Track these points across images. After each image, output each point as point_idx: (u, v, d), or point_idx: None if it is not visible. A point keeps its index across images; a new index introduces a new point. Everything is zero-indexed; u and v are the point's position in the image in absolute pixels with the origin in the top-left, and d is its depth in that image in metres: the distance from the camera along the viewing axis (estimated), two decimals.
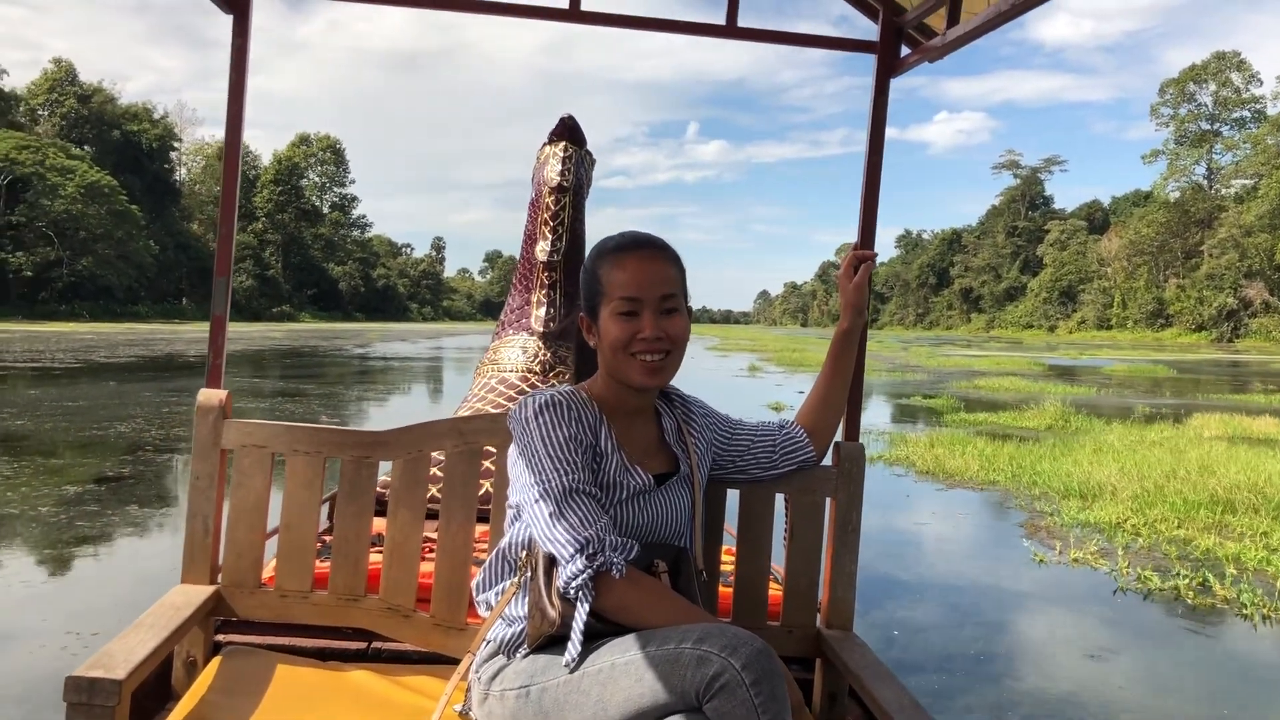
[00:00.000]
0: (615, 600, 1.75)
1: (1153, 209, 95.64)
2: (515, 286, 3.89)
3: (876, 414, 18.67)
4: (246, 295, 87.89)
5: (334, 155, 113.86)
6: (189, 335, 47.86)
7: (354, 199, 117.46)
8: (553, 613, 1.77)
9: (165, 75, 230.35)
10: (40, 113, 78.47)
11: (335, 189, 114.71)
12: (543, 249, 3.51)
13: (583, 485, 1.81)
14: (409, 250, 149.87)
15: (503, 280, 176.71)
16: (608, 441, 1.91)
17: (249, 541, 2.39)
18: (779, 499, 2.40)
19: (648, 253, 1.93)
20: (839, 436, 2.40)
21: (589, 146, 3.64)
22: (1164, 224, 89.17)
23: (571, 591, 1.75)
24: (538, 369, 3.69)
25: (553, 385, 3.53)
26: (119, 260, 69.90)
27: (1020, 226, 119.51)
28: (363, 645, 2.52)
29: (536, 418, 1.86)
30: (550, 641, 1.80)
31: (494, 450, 2.41)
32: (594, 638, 1.75)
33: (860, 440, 2.52)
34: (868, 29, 2.64)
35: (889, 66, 2.54)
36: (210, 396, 2.40)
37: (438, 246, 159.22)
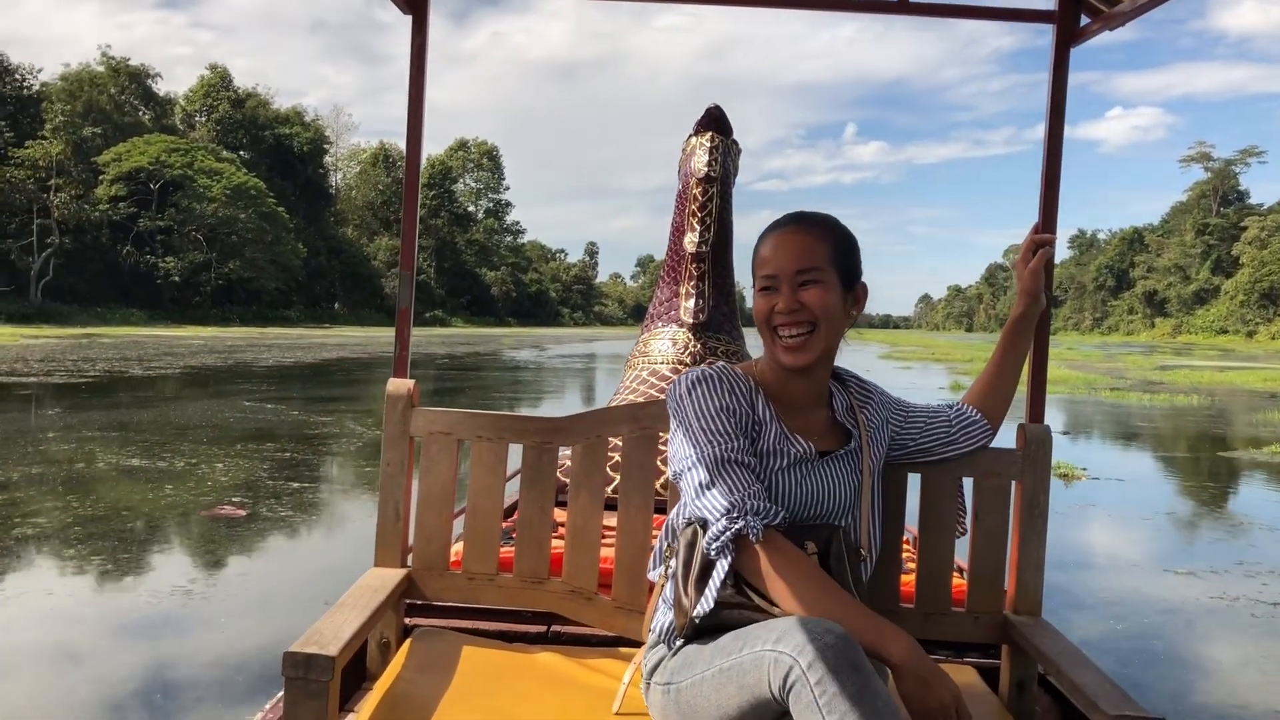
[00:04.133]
0: (752, 565, 1.71)
1: None
2: (663, 278, 3.85)
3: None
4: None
5: (490, 161, 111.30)
6: (333, 340, 43.65)
7: (508, 204, 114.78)
8: (688, 602, 1.74)
9: (338, 90, 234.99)
10: (197, 118, 76.86)
11: (490, 195, 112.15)
12: (691, 240, 3.52)
13: (736, 454, 1.78)
14: (562, 255, 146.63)
15: (655, 284, 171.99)
16: (765, 410, 1.87)
17: (438, 526, 2.41)
18: (967, 484, 2.32)
19: (792, 228, 1.88)
20: (1023, 418, 2.36)
21: (735, 138, 3.58)
22: None
23: (713, 552, 1.72)
24: (688, 360, 3.63)
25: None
26: (268, 264, 67.48)
27: (1212, 224, 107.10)
28: (543, 628, 2.55)
29: (690, 393, 1.85)
30: (699, 631, 1.77)
31: (668, 437, 2.22)
32: (732, 608, 1.73)
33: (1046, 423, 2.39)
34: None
35: (1069, 36, 2.38)
36: (399, 386, 2.41)
37: (591, 252, 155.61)
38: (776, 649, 1.52)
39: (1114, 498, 9.58)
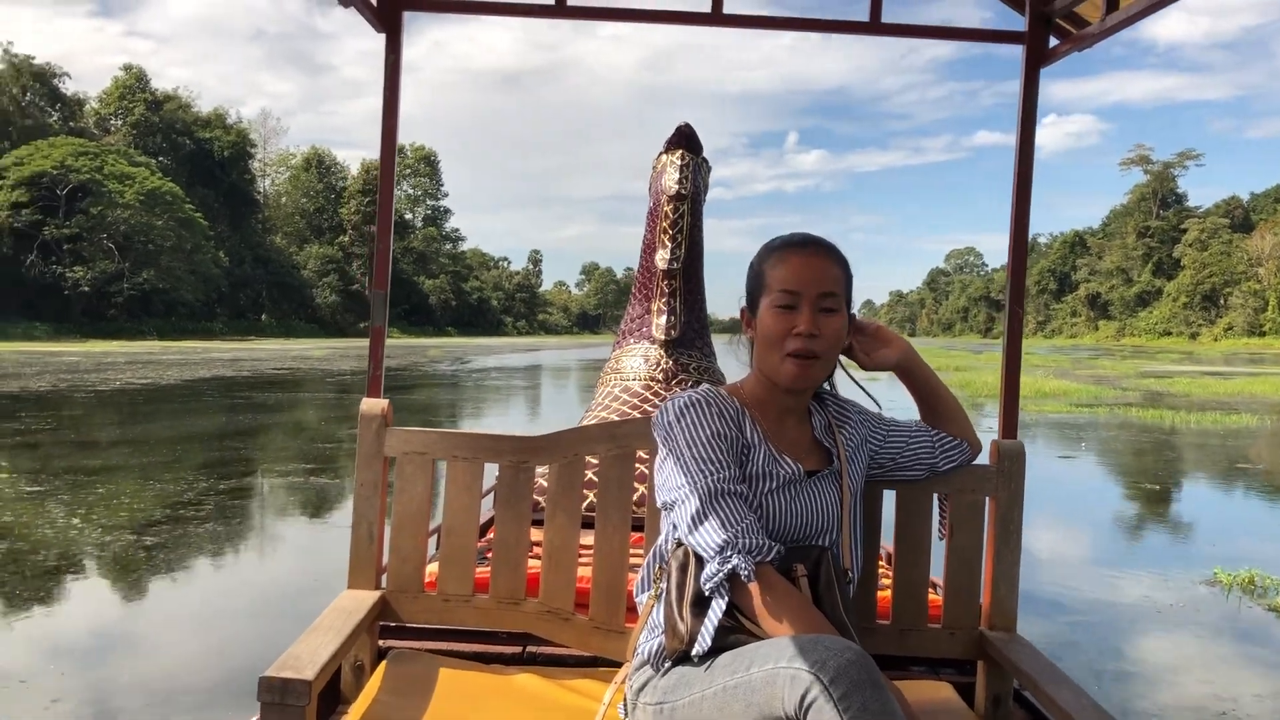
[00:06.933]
0: (745, 603, 1.71)
1: None
2: (635, 295, 3.81)
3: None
4: (331, 310, 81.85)
5: (428, 166, 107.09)
6: (245, 353, 39.38)
7: (447, 211, 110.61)
8: (683, 628, 1.74)
9: (278, 99, 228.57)
10: (113, 122, 71.83)
11: (428, 201, 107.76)
12: (662, 257, 3.46)
13: (728, 484, 1.77)
14: (505, 264, 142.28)
15: (599, 293, 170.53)
16: (753, 433, 1.86)
17: (412, 547, 2.37)
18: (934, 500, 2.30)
19: (814, 250, 1.88)
20: (996, 435, 2.38)
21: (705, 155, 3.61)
22: None
23: (707, 590, 1.72)
24: (660, 377, 3.59)
25: (686, 389, 3.06)
26: (187, 274, 62.96)
27: (1153, 226, 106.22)
28: (518, 649, 2.51)
29: (679, 420, 1.83)
30: (686, 654, 1.75)
31: (646, 455, 2.30)
32: (728, 633, 1.72)
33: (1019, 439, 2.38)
34: (1008, 19, 2.54)
35: (1038, 57, 2.43)
36: (372, 406, 2.38)
37: (535, 260, 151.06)
38: (792, 666, 1.49)
39: None
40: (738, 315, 2.00)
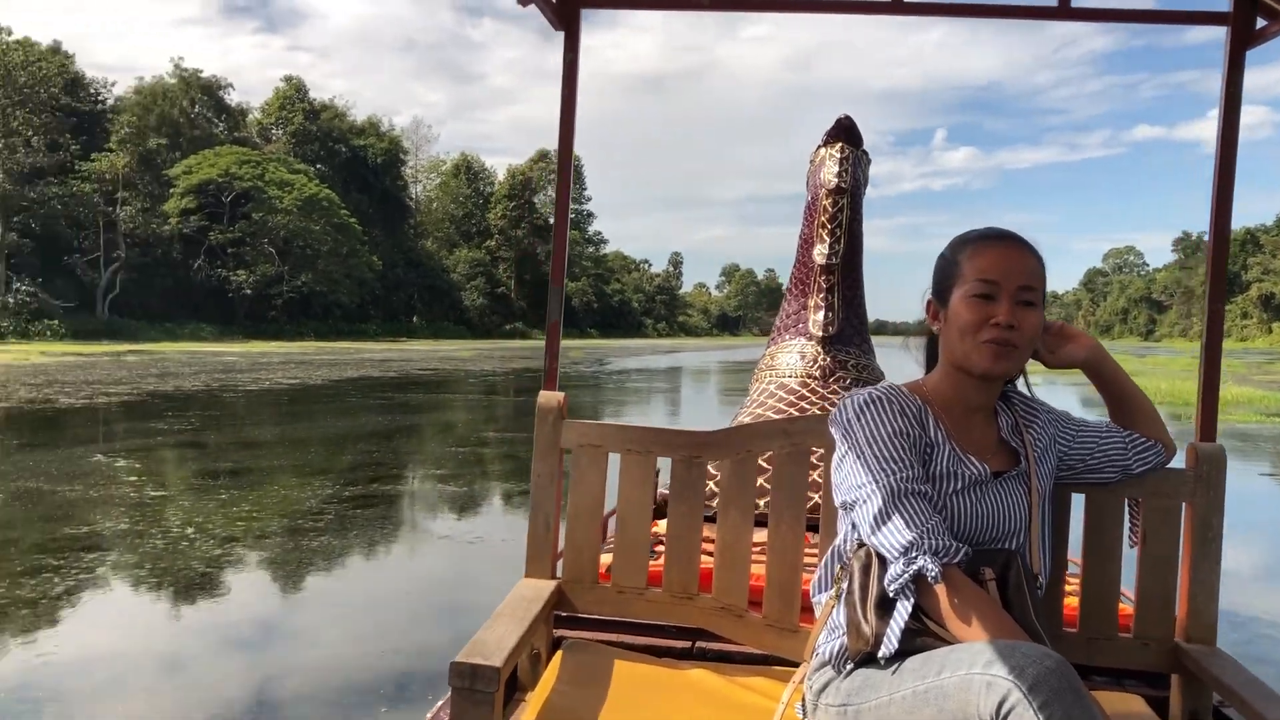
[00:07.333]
0: (932, 605, 1.66)
1: None
2: (791, 290, 3.71)
3: None
4: (478, 313, 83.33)
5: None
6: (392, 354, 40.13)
7: (590, 215, 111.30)
8: (866, 629, 1.70)
9: (429, 108, 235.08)
10: (273, 131, 74.76)
11: (572, 205, 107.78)
12: (820, 252, 3.41)
13: (912, 483, 1.72)
14: (646, 266, 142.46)
15: (739, 295, 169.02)
16: (937, 432, 1.81)
17: (587, 538, 2.39)
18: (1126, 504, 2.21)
19: (1014, 241, 1.83)
20: (1194, 438, 2.27)
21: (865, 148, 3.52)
22: None
23: (891, 592, 1.68)
24: (817, 374, 3.50)
25: (846, 386, 3.47)
26: (343, 277, 64.99)
27: None
28: (687, 644, 2.50)
29: (859, 417, 1.79)
30: (871, 656, 1.71)
31: (821, 452, 2.34)
32: (914, 636, 1.66)
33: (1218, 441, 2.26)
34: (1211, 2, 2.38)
35: (1244, 39, 2.30)
36: (549, 399, 2.41)
37: (675, 262, 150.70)
38: (988, 673, 1.45)
39: None
40: (922, 312, 1.90)
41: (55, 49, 59.34)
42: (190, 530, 7.70)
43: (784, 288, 3.84)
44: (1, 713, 4.16)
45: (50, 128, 53.88)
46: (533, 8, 2.29)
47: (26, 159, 52.37)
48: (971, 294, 1.77)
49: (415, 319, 77.73)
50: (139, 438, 13.58)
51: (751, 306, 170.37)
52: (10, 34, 54.91)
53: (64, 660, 4.82)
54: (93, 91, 62.50)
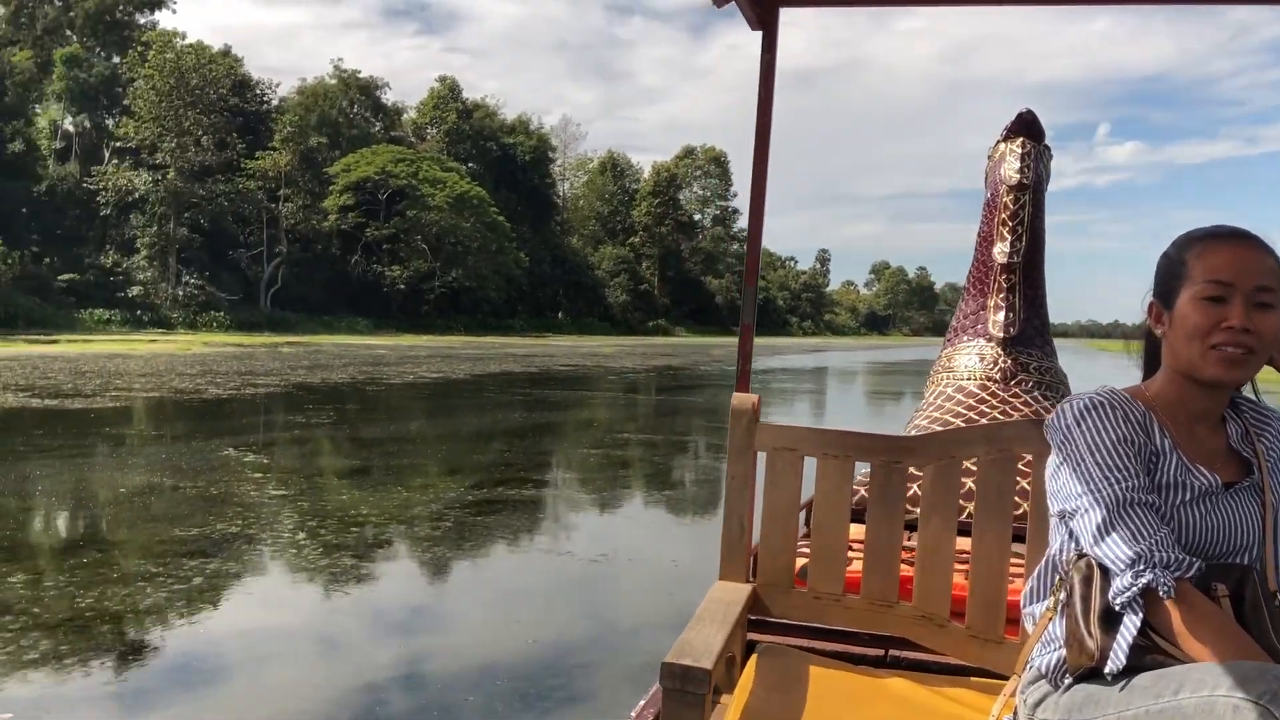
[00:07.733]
0: (1163, 621, 1.56)
1: None
2: (969, 290, 3.62)
3: None
4: (622, 309, 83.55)
5: (718, 167, 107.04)
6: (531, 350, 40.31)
7: (735, 212, 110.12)
8: (1090, 644, 1.60)
9: (578, 108, 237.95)
10: (428, 130, 76.53)
11: (717, 202, 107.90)
12: (1001, 250, 3.32)
13: (1137, 493, 1.62)
14: (792, 263, 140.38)
15: (889, 293, 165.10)
16: (1162, 439, 1.70)
17: (782, 543, 2.37)
18: None
19: (1248, 240, 1.70)
20: None
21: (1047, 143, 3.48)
22: None
23: (1117, 606, 1.59)
24: (998, 376, 3.39)
25: (1028, 390, 3.42)
26: (491, 273, 66.04)
27: None
28: (880, 652, 2.42)
29: (1079, 423, 1.69)
30: (1094, 671, 1.61)
31: (1030, 459, 2.23)
32: (1143, 652, 1.56)
33: None
34: None
35: None
36: (743, 401, 2.39)
37: (822, 259, 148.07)
38: (1234, 695, 1.35)
39: None
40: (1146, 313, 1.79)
41: (225, 52, 61.99)
42: (301, 535, 7.23)
43: (961, 287, 3.72)
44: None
45: (219, 127, 56.34)
46: (731, 6, 2.24)
47: (196, 157, 54.93)
48: (1201, 296, 1.64)
49: (560, 315, 78.56)
50: (276, 431, 13.48)
51: (902, 305, 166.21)
52: (184, 38, 57.70)
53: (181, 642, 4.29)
54: (259, 92, 65.14)
